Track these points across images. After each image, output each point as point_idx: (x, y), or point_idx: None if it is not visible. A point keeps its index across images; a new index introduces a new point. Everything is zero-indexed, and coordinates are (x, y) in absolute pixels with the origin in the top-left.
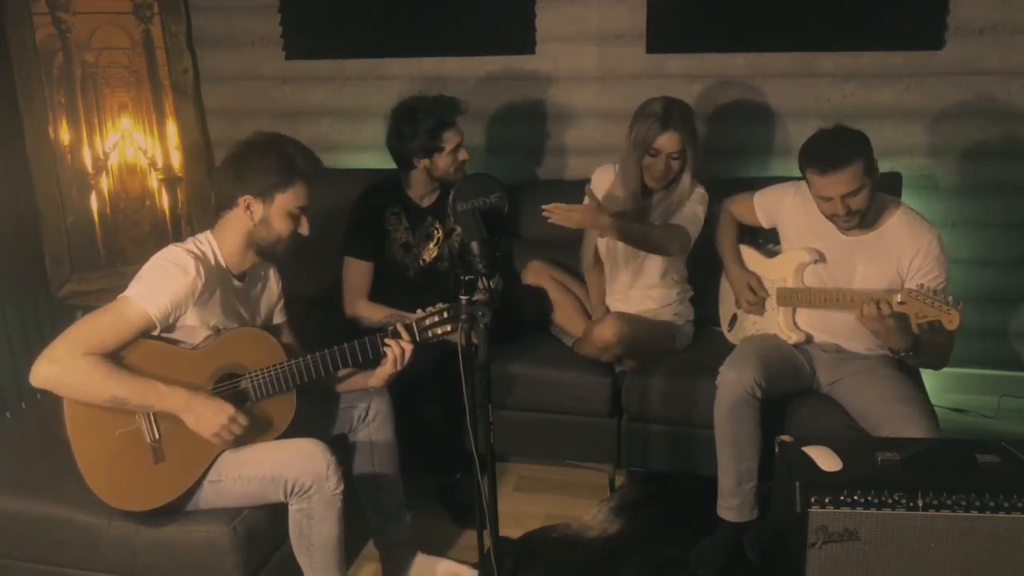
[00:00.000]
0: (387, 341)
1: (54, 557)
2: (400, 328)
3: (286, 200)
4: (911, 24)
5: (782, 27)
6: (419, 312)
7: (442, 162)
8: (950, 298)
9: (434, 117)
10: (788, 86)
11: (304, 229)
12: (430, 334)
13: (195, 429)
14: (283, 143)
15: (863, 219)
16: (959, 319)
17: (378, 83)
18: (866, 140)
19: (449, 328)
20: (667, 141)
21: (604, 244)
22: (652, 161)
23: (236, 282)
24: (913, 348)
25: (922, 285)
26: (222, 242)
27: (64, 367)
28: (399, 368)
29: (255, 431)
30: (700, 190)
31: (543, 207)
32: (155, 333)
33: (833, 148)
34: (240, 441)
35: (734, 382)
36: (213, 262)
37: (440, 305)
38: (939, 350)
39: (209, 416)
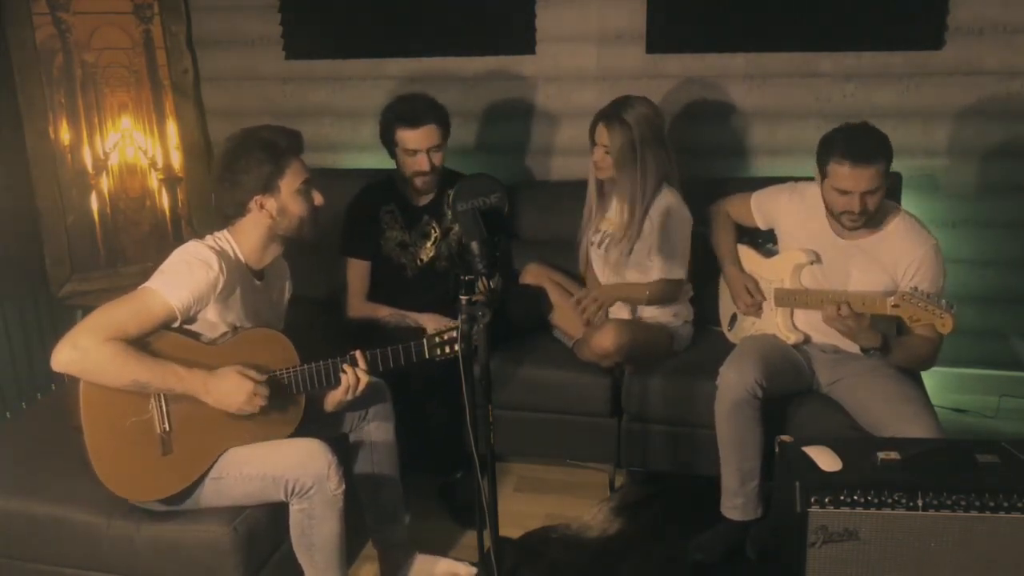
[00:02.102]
0: (344, 368)
1: (54, 557)
2: (358, 355)
3: (289, 182)
4: (911, 24)
5: (782, 27)
6: (423, 321)
7: (400, 159)
8: (943, 302)
9: (394, 114)
10: (788, 86)
11: (318, 199)
12: (439, 352)
13: (218, 407)
14: (257, 133)
15: (868, 222)
16: (952, 323)
17: (378, 83)
18: (890, 144)
19: (458, 348)
20: (601, 132)
21: (597, 253)
22: (593, 151)
23: (256, 281)
24: (881, 347)
25: (915, 288)
26: (241, 241)
27: (86, 352)
28: (351, 397)
29: (264, 430)
30: (681, 212)
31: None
32: (175, 325)
33: (867, 141)
34: (248, 439)
35: (735, 383)
36: (234, 259)
37: (450, 324)
38: (920, 351)
39: (229, 395)
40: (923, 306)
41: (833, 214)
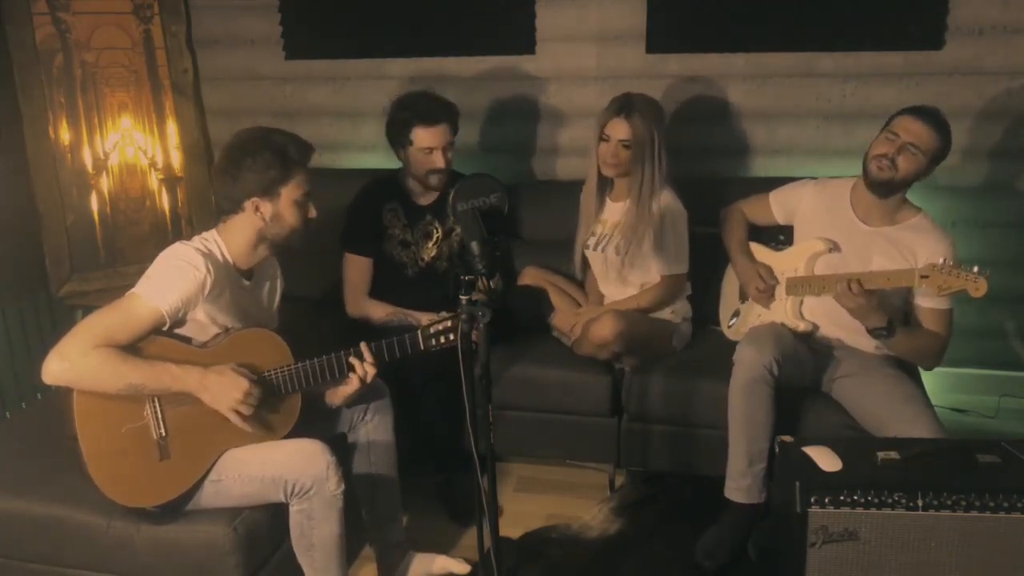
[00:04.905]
0: (351, 361)
1: (54, 557)
2: (364, 348)
3: (290, 191)
4: (911, 24)
5: (782, 27)
6: (424, 320)
7: (413, 158)
8: (975, 268)
9: (411, 112)
10: (788, 86)
11: (312, 213)
12: (434, 343)
13: (212, 405)
14: (271, 136)
15: (892, 189)
16: (986, 286)
17: (378, 83)
18: (951, 140)
19: (453, 337)
20: (617, 127)
21: (595, 256)
22: (604, 147)
23: (245, 281)
24: (888, 327)
25: (944, 259)
26: (229, 241)
27: (75, 361)
28: (359, 389)
29: (260, 431)
30: (677, 207)
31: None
32: (164, 328)
33: (939, 115)
34: (245, 440)
35: (753, 358)
36: (221, 259)
37: (445, 314)
38: (924, 343)
39: (225, 391)
40: (955, 274)
41: (868, 158)
